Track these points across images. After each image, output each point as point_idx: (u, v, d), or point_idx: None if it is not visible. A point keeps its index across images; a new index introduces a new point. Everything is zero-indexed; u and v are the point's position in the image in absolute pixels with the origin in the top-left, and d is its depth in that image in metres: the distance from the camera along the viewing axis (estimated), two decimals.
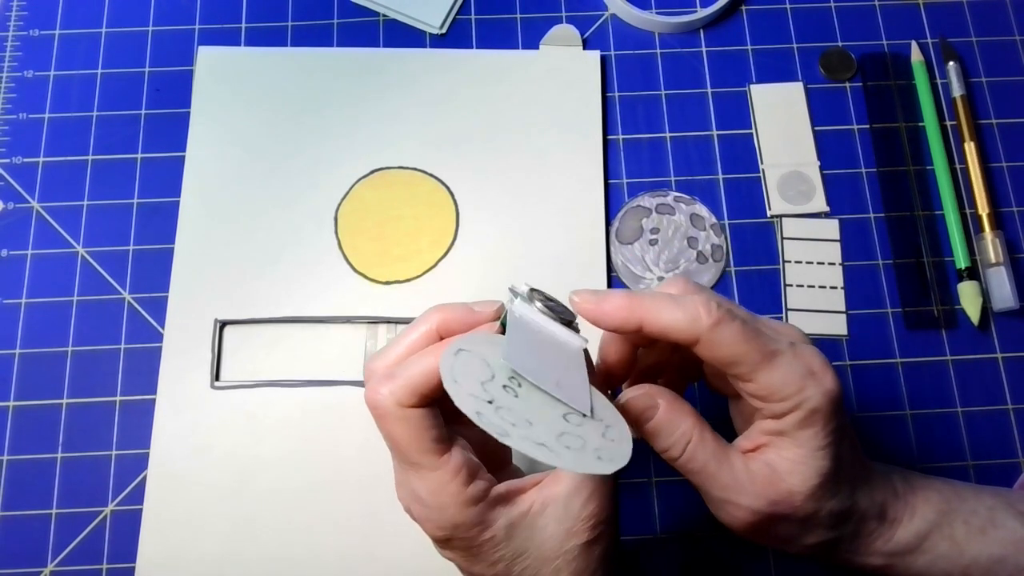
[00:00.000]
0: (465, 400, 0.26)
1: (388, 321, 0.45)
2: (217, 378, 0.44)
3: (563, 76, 0.50)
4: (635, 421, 0.33)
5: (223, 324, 0.45)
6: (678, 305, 0.31)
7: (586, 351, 0.31)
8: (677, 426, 0.33)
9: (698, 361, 0.33)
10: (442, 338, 0.31)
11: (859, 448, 0.35)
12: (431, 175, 0.48)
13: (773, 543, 0.35)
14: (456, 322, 0.31)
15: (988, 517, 0.36)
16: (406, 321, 0.45)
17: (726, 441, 0.33)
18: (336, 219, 0.47)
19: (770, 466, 0.32)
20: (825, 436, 0.31)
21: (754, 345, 0.30)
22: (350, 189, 0.47)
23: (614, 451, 0.27)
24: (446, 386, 0.26)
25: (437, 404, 0.30)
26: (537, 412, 0.27)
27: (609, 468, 0.26)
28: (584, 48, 0.51)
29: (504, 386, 0.27)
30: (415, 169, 0.48)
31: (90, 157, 0.49)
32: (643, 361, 0.36)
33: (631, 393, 0.33)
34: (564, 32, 0.51)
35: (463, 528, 0.30)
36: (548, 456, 0.25)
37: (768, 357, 0.31)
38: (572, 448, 0.26)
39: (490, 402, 0.26)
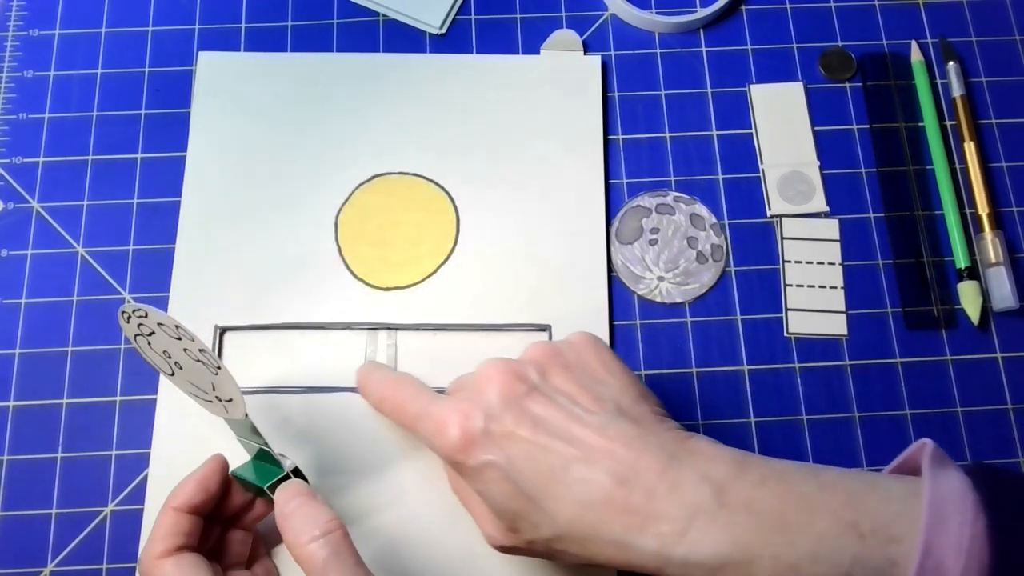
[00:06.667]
0: None
1: (388, 327, 0.45)
2: None
3: (564, 81, 0.50)
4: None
5: (223, 330, 0.45)
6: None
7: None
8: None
9: None
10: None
11: (539, 481, 0.34)
12: (431, 180, 0.48)
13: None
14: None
15: (809, 552, 0.31)
16: (406, 327, 0.45)
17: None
18: (336, 224, 0.47)
19: (481, 512, 0.37)
20: (472, 482, 0.36)
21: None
22: (351, 194, 0.47)
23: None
24: None
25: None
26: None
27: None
28: (584, 50, 0.51)
29: None
30: (415, 175, 0.48)
31: (90, 157, 0.49)
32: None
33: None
34: (565, 37, 0.51)
35: None
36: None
37: (414, 422, 0.38)
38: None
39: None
